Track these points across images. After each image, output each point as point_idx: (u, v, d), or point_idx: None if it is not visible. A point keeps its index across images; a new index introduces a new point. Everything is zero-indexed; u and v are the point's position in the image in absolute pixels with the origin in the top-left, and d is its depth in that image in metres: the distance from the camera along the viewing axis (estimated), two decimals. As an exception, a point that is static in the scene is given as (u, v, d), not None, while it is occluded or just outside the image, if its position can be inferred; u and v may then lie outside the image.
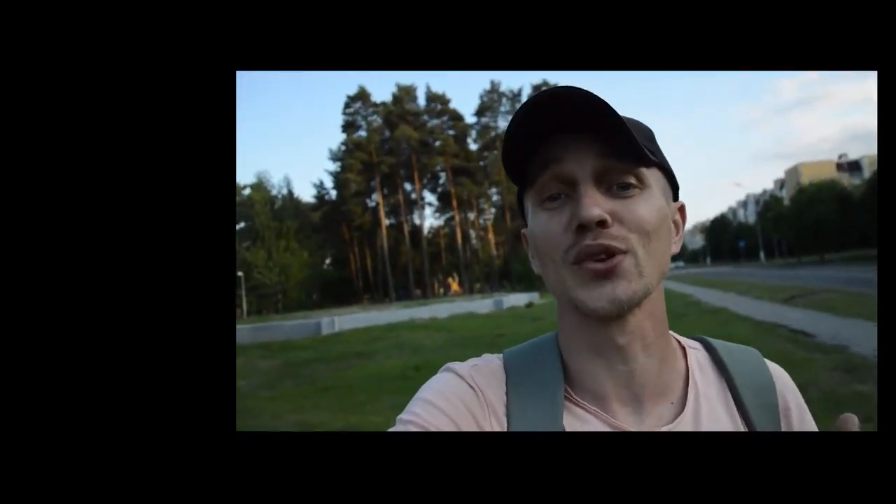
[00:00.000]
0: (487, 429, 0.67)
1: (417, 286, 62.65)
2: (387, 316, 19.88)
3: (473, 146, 63.07)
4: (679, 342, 0.76)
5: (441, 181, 63.03)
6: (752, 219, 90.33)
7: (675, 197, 0.74)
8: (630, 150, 0.63)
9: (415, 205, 63.27)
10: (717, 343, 0.79)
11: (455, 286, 62.10)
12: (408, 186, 62.32)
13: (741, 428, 0.70)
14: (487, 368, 0.72)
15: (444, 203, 63.14)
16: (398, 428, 0.66)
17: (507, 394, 0.70)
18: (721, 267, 74.13)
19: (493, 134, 61.42)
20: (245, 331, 16.70)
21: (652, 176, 0.67)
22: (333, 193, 62.70)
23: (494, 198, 64.60)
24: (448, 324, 17.47)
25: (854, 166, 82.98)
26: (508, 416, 0.68)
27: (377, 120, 61.55)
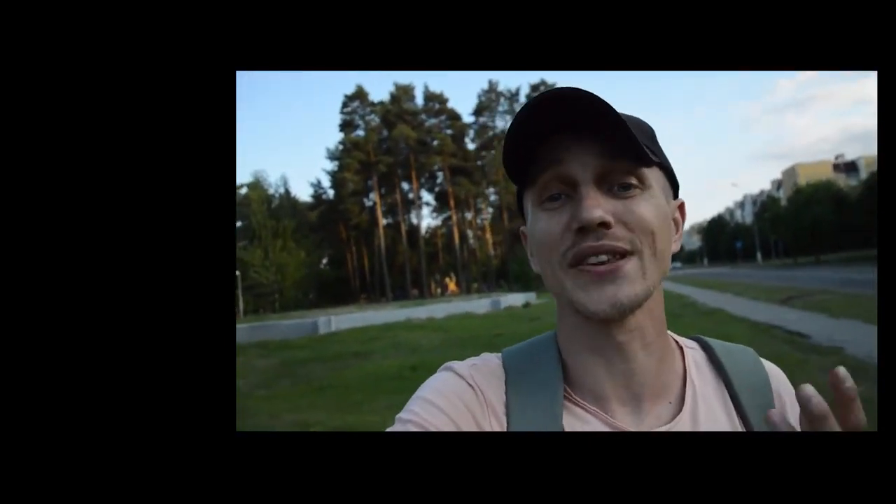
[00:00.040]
0: (487, 428, 0.67)
1: (414, 286, 62.63)
2: (383, 316, 19.87)
3: (471, 146, 63.10)
4: (676, 342, 0.76)
5: (439, 181, 63.03)
6: (749, 219, 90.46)
7: (675, 195, 0.74)
8: (631, 151, 0.63)
9: (412, 204, 63.26)
10: (714, 342, 0.79)
11: (452, 286, 62.10)
12: (405, 186, 62.32)
13: (738, 427, 0.71)
14: (487, 368, 0.72)
15: (442, 203, 63.12)
16: (397, 427, 0.66)
17: (506, 393, 0.70)
18: (718, 268, 74.24)
19: (490, 133, 61.42)
20: (242, 330, 16.67)
21: (653, 175, 0.67)
22: (331, 193, 62.66)
23: (492, 198, 64.59)
24: (445, 324, 17.46)
25: (851, 167, 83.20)
26: (508, 415, 0.68)
27: (375, 119, 61.53)
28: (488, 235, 64.53)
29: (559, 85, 0.63)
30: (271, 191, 58.75)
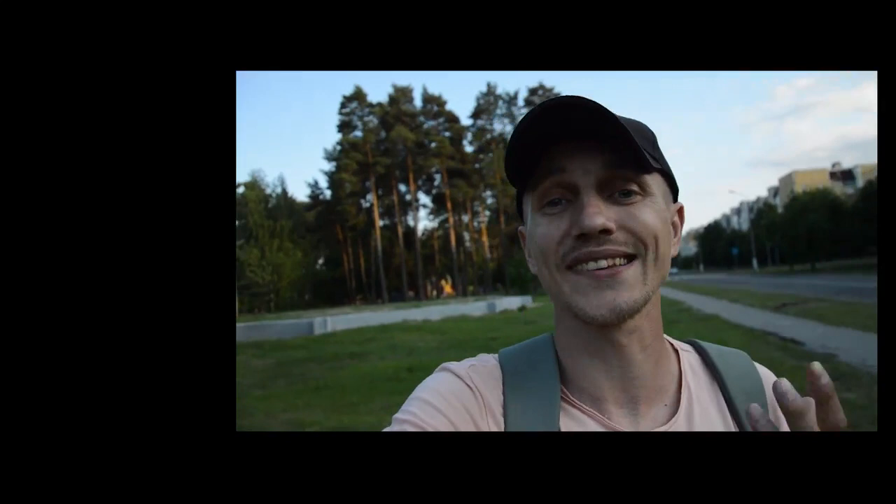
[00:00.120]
0: (484, 429, 0.67)
1: (410, 288, 62.56)
2: (379, 317, 19.83)
3: (469, 148, 63.05)
4: (672, 345, 0.77)
5: (436, 183, 62.97)
6: (745, 226, 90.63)
7: (675, 198, 0.74)
8: (633, 159, 0.63)
9: (409, 206, 63.22)
10: (708, 346, 0.80)
11: (448, 288, 62.03)
12: (402, 187, 62.25)
13: (732, 429, 0.71)
14: (485, 369, 0.73)
15: (439, 205, 63.07)
16: (394, 427, 0.66)
17: (504, 394, 0.70)
18: (714, 274, 74.31)
19: (488, 136, 61.41)
20: (237, 329, 16.61)
21: (654, 181, 0.68)
22: (328, 193, 62.61)
23: (489, 200, 64.58)
24: (441, 326, 17.44)
25: (847, 175, 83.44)
26: (505, 416, 0.68)
27: (373, 120, 61.45)
28: (485, 238, 64.49)
29: (558, 88, 0.64)
30: (268, 191, 58.67)
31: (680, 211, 0.75)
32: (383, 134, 60.71)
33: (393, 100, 61.16)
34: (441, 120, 62.97)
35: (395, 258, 61.77)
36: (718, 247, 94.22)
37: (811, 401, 0.54)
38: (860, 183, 64.93)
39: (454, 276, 62.95)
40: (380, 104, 61.36)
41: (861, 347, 8.25)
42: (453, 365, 0.73)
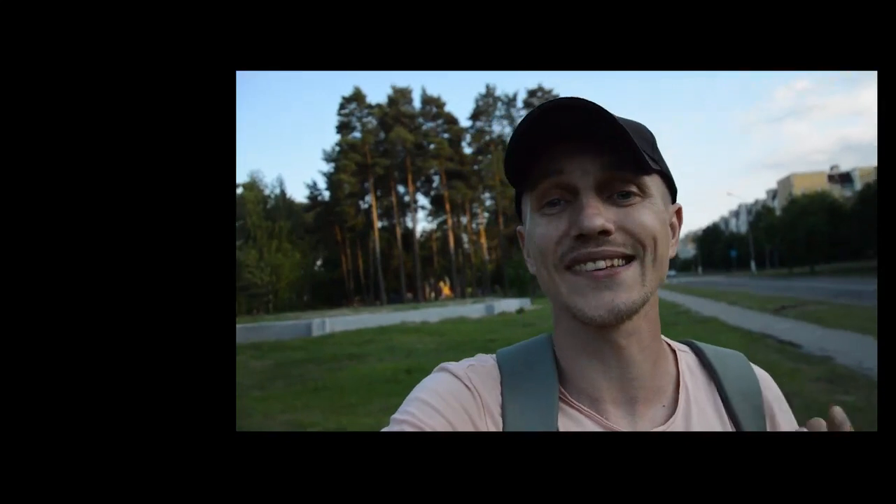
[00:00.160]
0: (483, 429, 0.67)
1: (409, 290, 62.55)
2: (378, 318, 19.82)
3: (468, 150, 63.10)
4: (669, 345, 0.77)
5: (435, 184, 63.00)
6: (743, 228, 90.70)
7: (673, 199, 0.74)
8: (633, 161, 0.64)
9: (408, 207, 63.24)
10: (705, 346, 0.80)
11: (446, 290, 62.02)
12: (401, 189, 62.27)
13: (729, 429, 0.72)
14: (483, 369, 0.73)
15: (438, 206, 63.09)
16: (393, 427, 0.66)
17: (502, 394, 0.70)
18: (712, 276, 74.36)
19: (487, 138, 61.47)
20: (236, 331, 16.54)
21: (653, 182, 0.68)
22: (327, 194, 62.58)
23: (488, 202, 64.60)
24: (439, 328, 17.44)
25: (845, 178, 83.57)
26: (504, 416, 0.68)
27: (372, 121, 61.48)
28: (483, 240, 64.51)
29: (557, 90, 0.64)
30: (267, 191, 58.69)
31: (678, 212, 0.75)
32: (382, 135, 60.73)
33: (392, 101, 61.19)
34: (440, 121, 63.02)
35: (394, 260, 61.78)
36: (717, 249, 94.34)
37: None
38: (858, 186, 65.02)
39: (452, 278, 62.94)
40: (379, 105, 61.42)
41: (859, 350, 8.27)
42: (451, 365, 0.73)
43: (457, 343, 13.03)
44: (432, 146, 60.59)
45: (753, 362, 0.80)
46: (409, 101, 62.76)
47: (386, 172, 60.09)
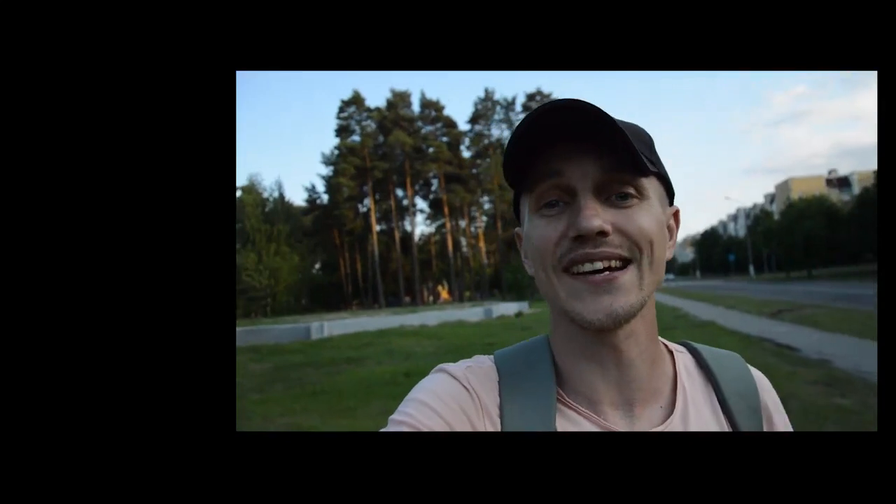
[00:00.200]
0: (481, 430, 0.67)
1: (407, 293, 62.51)
2: (376, 322, 19.80)
3: (467, 154, 63.14)
4: (666, 346, 0.77)
5: (433, 188, 63.00)
6: (742, 232, 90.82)
7: (671, 202, 0.75)
8: (631, 162, 0.64)
9: (406, 211, 63.24)
10: (702, 347, 0.80)
11: (445, 294, 61.98)
12: (400, 192, 62.28)
13: (726, 430, 0.72)
14: (481, 370, 0.72)
15: (436, 210, 63.09)
16: (391, 428, 0.66)
17: (500, 395, 0.70)
18: (711, 280, 74.39)
19: (486, 142, 61.48)
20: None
21: (650, 185, 0.68)
22: (325, 197, 62.56)
23: (486, 206, 64.59)
24: (438, 331, 17.42)
25: (843, 182, 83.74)
26: (502, 417, 0.68)
27: (371, 125, 61.51)
28: (482, 244, 64.48)
29: (556, 94, 0.64)
30: (265, 195, 58.64)
31: (676, 214, 0.75)
32: (381, 138, 60.77)
33: (391, 104, 61.24)
34: (439, 125, 63.05)
35: (392, 263, 61.75)
36: (715, 253, 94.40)
37: None
38: (856, 190, 65.19)
39: (451, 282, 62.91)
40: (378, 109, 61.46)
41: (856, 353, 8.29)
42: (450, 366, 0.73)
43: (455, 346, 13.02)
44: (431, 150, 60.60)
45: (750, 366, 0.81)
46: (408, 104, 62.81)
47: (385, 176, 60.10)
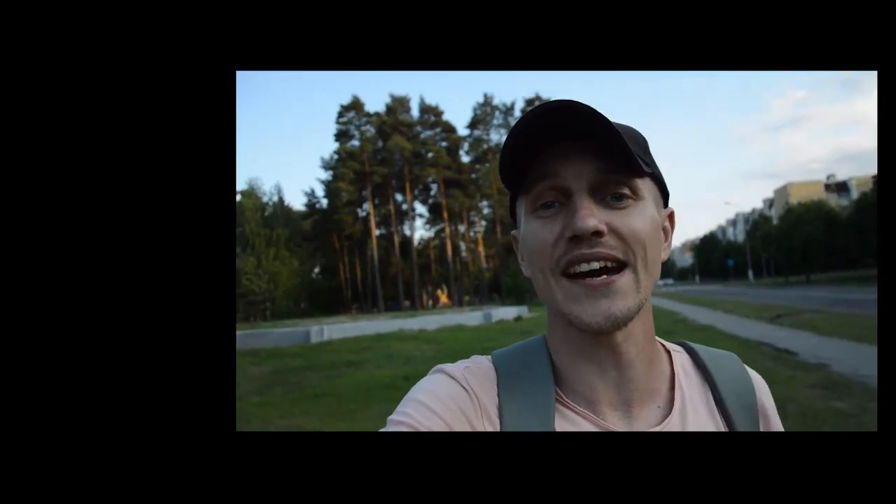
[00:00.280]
0: (480, 430, 0.67)
1: (406, 297, 62.48)
2: (375, 326, 19.77)
3: (466, 158, 63.18)
4: (664, 346, 0.77)
5: (432, 192, 63.05)
6: (741, 237, 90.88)
7: (665, 203, 0.75)
8: (626, 163, 0.64)
9: (406, 216, 63.24)
10: (698, 347, 0.80)
11: (444, 298, 61.95)
12: (399, 197, 62.30)
13: (723, 429, 0.72)
14: (479, 370, 0.73)
15: (435, 215, 63.11)
16: (390, 428, 0.66)
17: (499, 396, 0.70)
18: (710, 285, 74.40)
19: (485, 147, 61.54)
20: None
21: (645, 186, 0.68)
22: (325, 202, 62.58)
23: (485, 211, 64.63)
24: (437, 335, 17.40)
25: (842, 187, 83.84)
26: (501, 417, 0.68)
27: (370, 130, 61.55)
28: (481, 248, 64.49)
29: (555, 98, 0.64)
30: (265, 199, 58.63)
31: (671, 216, 0.76)
32: (380, 143, 60.80)
33: (390, 109, 61.30)
34: (438, 130, 63.13)
35: (392, 267, 61.73)
36: (714, 258, 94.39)
37: None
38: (855, 195, 65.27)
39: (450, 286, 62.88)
40: (377, 114, 61.52)
41: (854, 358, 8.31)
42: (448, 366, 0.73)
43: (455, 351, 13.00)
44: (430, 154, 60.67)
45: (748, 367, 0.81)
46: (408, 109, 62.89)
47: (384, 180, 60.14)
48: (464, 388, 0.69)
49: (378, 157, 60.80)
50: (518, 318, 24.04)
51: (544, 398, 0.69)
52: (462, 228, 64.40)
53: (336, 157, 60.82)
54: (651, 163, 0.71)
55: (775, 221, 59.87)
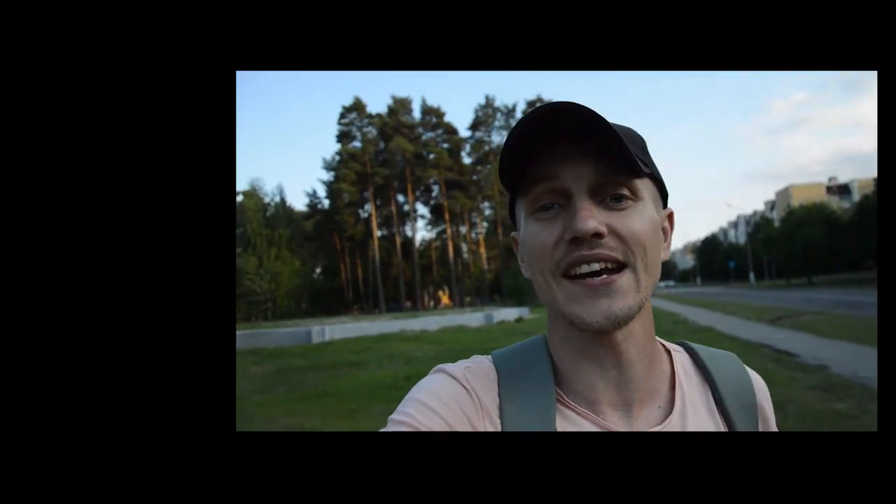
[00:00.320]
0: (481, 430, 0.67)
1: (408, 298, 62.49)
2: (377, 326, 19.78)
3: (467, 160, 63.21)
4: (664, 346, 0.77)
5: (434, 194, 63.07)
6: (742, 239, 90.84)
7: (665, 204, 0.75)
8: (625, 164, 0.64)
9: (407, 217, 63.28)
10: (698, 347, 0.81)
11: (445, 299, 61.94)
12: (401, 198, 62.33)
13: (723, 429, 0.72)
14: (480, 370, 0.73)
15: (437, 216, 63.13)
16: (390, 428, 0.66)
17: (499, 395, 0.70)
18: (711, 287, 74.35)
19: (486, 148, 61.56)
20: (236, 337, 16.48)
21: (644, 186, 0.68)
22: (326, 203, 62.62)
23: (487, 212, 64.65)
24: (438, 336, 17.40)
25: (844, 190, 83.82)
26: (502, 417, 0.68)
27: (372, 131, 61.57)
28: (482, 250, 64.50)
29: (556, 100, 0.64)
30: (267, 199, 58.66)
31: (670, 216, 0.76)
32: (382, 145, 60.83)
33: (392, 111, 61.33)
34: (439, 131, 63.15)
35: (393, 268, 61.74)
36: (715, 260, 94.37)
37: None
38: (856, 197, 65.27)
39: (451, 287, 62.88)
40: (379, 115, 61.54)
41: (854, 359, 8.32)
42: (449, 366, 0.73)
43: (456, 351, 13.00)
44: (432, 156, 60.69)
45: (748, 367, 0.81)
46: (409, 111, 62.92)
47: (385, 182, 60.16)
48: (464, 387, 0.69)
49: (380, 158, 60.83)
50: (519, 320, 24.04)
51: (545, 398, 0.69)
52: (463, 230, 64.41)
53: (338, 158, 60.87)
54: (650, 163, 0.71)
55: (777, 224, 59.84)
